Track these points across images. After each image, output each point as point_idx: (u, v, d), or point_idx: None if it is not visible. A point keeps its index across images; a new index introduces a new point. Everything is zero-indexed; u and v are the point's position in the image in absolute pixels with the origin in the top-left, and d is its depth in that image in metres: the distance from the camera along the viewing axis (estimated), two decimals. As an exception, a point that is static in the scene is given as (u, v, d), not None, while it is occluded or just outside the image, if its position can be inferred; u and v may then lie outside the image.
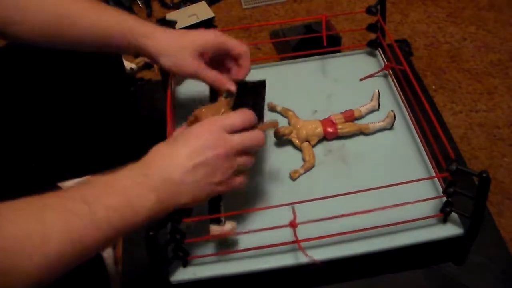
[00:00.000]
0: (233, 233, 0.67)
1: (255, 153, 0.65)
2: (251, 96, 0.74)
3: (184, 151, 0.58)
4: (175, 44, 0.73)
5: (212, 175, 0.59)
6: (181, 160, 0.58)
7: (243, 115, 0.63)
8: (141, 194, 0.55)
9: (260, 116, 0.70)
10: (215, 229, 0.66)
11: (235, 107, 0.70)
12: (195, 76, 0.74)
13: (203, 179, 0.58)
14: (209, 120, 0.62)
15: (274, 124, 0.73)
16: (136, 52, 0.74)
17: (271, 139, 0.84)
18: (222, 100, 0.71)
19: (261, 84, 0.76)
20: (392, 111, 0.83)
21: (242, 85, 0.74)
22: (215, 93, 0.75)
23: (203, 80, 0.74)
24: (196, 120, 0.66)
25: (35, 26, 0.69)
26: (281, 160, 0.82)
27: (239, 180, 0.63)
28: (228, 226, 0.66)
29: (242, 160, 0.62)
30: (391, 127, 0.84)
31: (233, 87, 0.73)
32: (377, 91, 0.87)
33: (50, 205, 0.50)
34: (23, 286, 0.46)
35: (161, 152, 0.59)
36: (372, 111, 0.87)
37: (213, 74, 0.73)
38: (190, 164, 0.58)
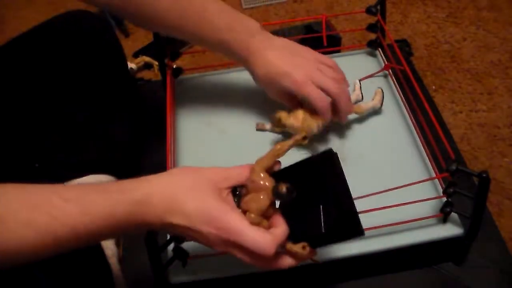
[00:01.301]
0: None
1: None
2: (318, 191, 0.58)
3: (190, 222, 0.54)
4: (266, 80, 0.74)
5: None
6: (183, 227, 0.54)
7: (258, 246, 0.53)
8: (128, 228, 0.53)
9: (315, 243, 0.57)
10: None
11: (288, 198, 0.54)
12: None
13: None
14: (229, 230, 0.53)
15: (311, 255, 0.57)
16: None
17: (272, 137, 0.84)
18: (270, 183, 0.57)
19: (338, 178, 0.58)
20: (379, 88, 0.82)
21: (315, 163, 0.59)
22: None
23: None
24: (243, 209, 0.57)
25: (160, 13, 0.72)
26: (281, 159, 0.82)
27: None
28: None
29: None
30: (381, 105, 0.83)
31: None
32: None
33: (40, 215, 0.49)
34: None
35: (178, 206, 0.54)
36: (373, 110, 0.86)
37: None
38: (187, 234, 0.55)
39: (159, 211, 0.53)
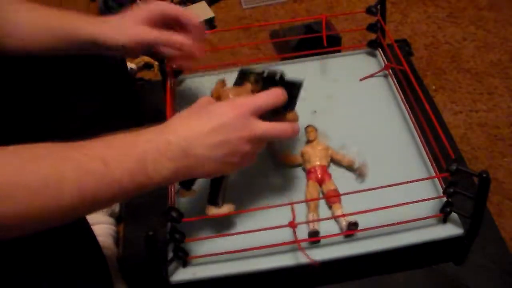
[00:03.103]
0: (229, 213, 0.67)
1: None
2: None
3: (208, 127, 0.58)
4: (118, 20, 0.73)
5: (231, 155, 0.59)
6: (204, 135, 0.58)
7: (272, 97, 0.62)
8: (159, 162, 0.55)
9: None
10: (212, 210, 0.67)
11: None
12: (147, 41, 0.72)
13: (221, 158, 0.59)
14: (236, 101, 0.62)
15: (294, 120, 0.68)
16: (92, 46, 0.73)
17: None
18: (248, 85, 0.69)
19: (296, 85, 0.70)
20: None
21: (274, 78, 0.70)
22: (242, 77, 0.72)
23: (160, 41, 0.73)
24: (219, 99, 0.66)
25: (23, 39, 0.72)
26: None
27: (249, 162, 0.63)
28: (225, 209, 0.67)
29: (262, 146, 0.63)
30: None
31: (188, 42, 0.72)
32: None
33: (70, 159, 0.50)
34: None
35: (185, 122, 0.60)
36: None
37: (167, 34, 0.73)
38: (213, 141, 0.58)
39: (181, 141, 0.57)
